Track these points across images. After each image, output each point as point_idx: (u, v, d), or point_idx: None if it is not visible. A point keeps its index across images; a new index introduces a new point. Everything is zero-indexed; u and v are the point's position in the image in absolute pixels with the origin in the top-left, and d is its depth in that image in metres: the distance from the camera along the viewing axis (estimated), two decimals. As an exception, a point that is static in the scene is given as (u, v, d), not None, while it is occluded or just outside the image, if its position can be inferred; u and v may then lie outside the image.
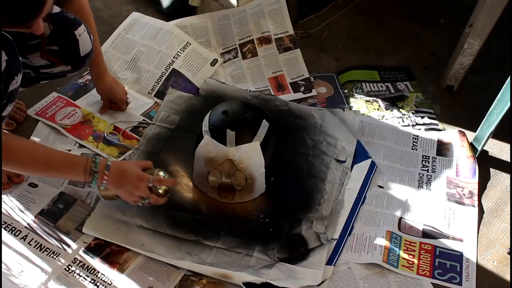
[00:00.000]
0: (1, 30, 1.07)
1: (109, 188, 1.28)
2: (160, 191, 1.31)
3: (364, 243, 1.43)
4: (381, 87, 1.93)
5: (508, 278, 1.40)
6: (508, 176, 1.63)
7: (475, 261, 1.41)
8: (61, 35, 1.35)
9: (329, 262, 1.38)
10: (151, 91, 1.83)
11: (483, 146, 1.63)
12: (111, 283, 1.33)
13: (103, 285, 1.32)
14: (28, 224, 1.42)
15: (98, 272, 1.35)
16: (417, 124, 1.78)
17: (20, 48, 1.28)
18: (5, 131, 1.59)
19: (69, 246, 1.39)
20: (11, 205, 1.45)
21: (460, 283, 1.36)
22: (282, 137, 1.62)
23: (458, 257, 1.42)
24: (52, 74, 1.47)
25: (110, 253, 1.38)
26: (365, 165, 1.61)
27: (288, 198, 1.52)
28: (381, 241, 1.43)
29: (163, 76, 1.85)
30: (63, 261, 1.36)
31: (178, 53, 1.89)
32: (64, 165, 1.25)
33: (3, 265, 1.32)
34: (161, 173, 1.33)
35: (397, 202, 1.53)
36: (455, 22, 1.96)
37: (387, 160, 1.65)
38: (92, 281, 1.33)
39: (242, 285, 1.32)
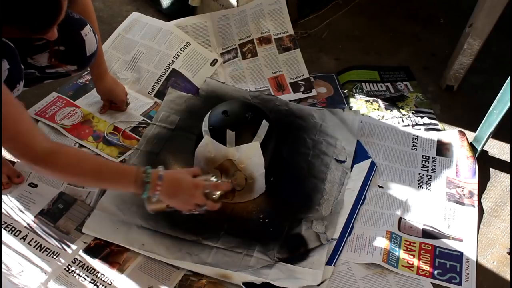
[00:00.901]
0: (1, 38, 1.08)
1: (162, 199, 1.24)
2: (215, 196, 1.31)
3: (364, 243, 1.43)
4: (381, 87, 1.93)
5: (508, 278, 1.40)
6: (508, 176, 1.63)
7: (475, 261, 1.41)
8: (67, 35, 1.36)
9: (329, 262, 1.38)
10: (151, 91, 1.83)
11: (483, 146, 1.63)
12: (111, 283, 1.33)
13: (103, 285, 1.32)
14: (28, 224, 1.42)
15: (98, 272, 1.35)
16: (417, 124, 1.78)
17: (26, 49, 1.29)
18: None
19: (69, 246, 1.39)
20: (11, 205, 1.45)
21: (460, 283, 1.36)
22: (282, 137, 1.62)
23: (458, 257, 1.42)
24: (57, 73, 1.48)
25: (110, 253, 1.38)
26: (365, 165, 1.61)
27: (288, 198, 1.52)
28: (381, 241, 1.43)
29: (163, 76, 1.85)
30: (63, 261, 1.36)
31: (178, 53, 1.89)
32: (114, 175, 1.22)
33: (3, 265, 1.32)
34: (213, 178, 1.32)
35: (397, 202, 1.53)
36: (455, 22, 1.96)
37: (387, 160, 1.65)
38: (92, 281, 1.33)
39: (242, 285, 1.32)
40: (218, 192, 1.32)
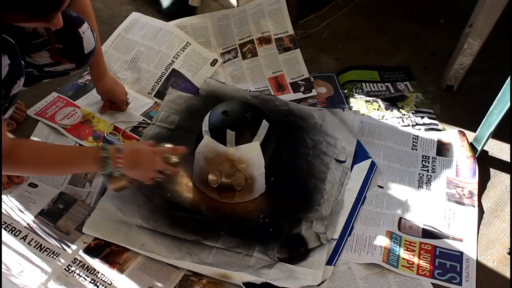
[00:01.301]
0: (1, 35, 1.07)
1: (124, 171, 1.24)
2: (174, 160, 1.31)
3: (364, 243, 1.43)
4: (381, 87, 1.93)
5: (508, 278, 1.40)
6: (508, 176, 1.63)
7: (475, 261, 1.41)
8: (65, 33, 1.36)
9: (329, 262, 1.38)
10: (151, 91, 1.83)
11: (483, 146, 1.63)
12: (111, 283, 1.33)
13: (103, 285, 1.32)
14: (28, 224, 1.42)
15: (98, 272, 1.35)
16: (417, 124, 1.78)
17: (25, 47, 1.28)
18: (11, 135, 1.58)
19: (69, 246, 1.39)
20: (11, 205, 1.45)
21: (460, 283, 1.36)
22: (282, 137, 1.62)
23: (458, 257, 1.42)
24: (56, 72, 1.48)
25: (110, 253, 1.38)
26: (365, 165, 1.61)
27: (288, 198, 1.52)
28: (381, 241, 1.43)
29: (163, 76, 1.85)
30: (63, 261, 1.36)
31: (178, 53, 1.89)
32: (74, 158, 1.23)
33: (3, 265, 1.32)
34: (168, 145, 1.33)
35: (397, 202, 1.53)
36: (455, 22, 1.96)
37: (387, 160, 1.65)
38: (92, 281, 1.33)
39: (242, 285, 1.32)
40: (175, 157, 1.32)
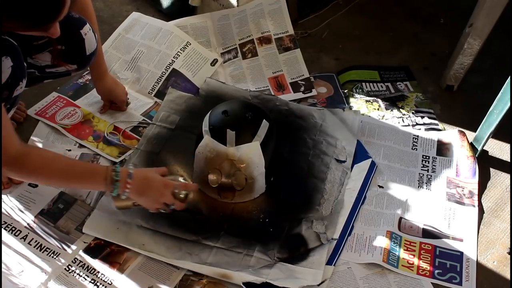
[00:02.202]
0: (1, 36, 1.07)
1: (132, 196, 1.25)
2: (182, 196, 1.32)
3: (364, 243, 1.43)
4: (381, 87, 1.93)
5: (508, 278, 1.40)
6: (508, 176, 1.63)
7: (475, 261, 1.41)
8: (67, 34, 1.36)
9: (329, 262, 1.38)
10: (151, 91, 1.83)
11: (483, 146, 1.63)
12: (111, 283, 1.33)
13: (103, 285, 1.32)
14: (28, 224, 1.42)
15: (98, 272, 1.35)
16: (417, 124, 1.78)
17: (27, 48, 1.28)
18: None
19: (69, 246, 1.39)
20: (11, 205, 1.45)
21: (460, 283, 1.36)
22: (282, 137, 1.62)
23: (458, 257, 1.42)
24: (57, 73, 1.48)
25: (110, 253, 1.38)
26: (365, 165, 1.61)
27: (288, 198, 1.52)
28: (381, 241, 1.43)
29: (163, 76, 1.85)
30: (63, 261, 1.36)
31: (178, 53, 1.89)
32: (84, 174, 1.23)
33: (3, 265, 1.32)
34: (181, 179, 1.34)
35: (397, 202, 1.53)
36: (455, 22, 1.96)
37: (387, 160, 1.65)
38: (92, 281, 1.33)
39: (242, 285, 1.32)
40: (185, 192, 1.32)
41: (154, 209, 1.31)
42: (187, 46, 1.91)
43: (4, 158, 1.09)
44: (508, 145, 1.72)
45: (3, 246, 1.36)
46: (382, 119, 1.79)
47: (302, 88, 1.87)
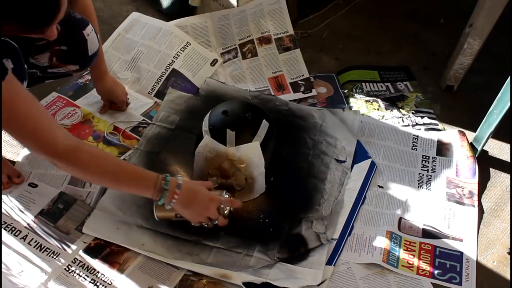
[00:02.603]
0: (1, 39, 1.07)
1: (176, 207, 1.25)
2: (226, 211, 1.32)
3: (364, 243, 1.43)
4: (381, 87, 1.93)
5: (508, 278, 1.40)
6: (508, 176, 1.63)
7: (475, 261, 1.41)
8: (70, 35, 1.36)
9: (329, 262, 1.38)
10: (151, 91, 1.83)
11: (483, 146, 1.63)
12: (111, 283, 1.33)
13: (103, 285, 1.32)
14: (28, 224, 1.42)
15: (98, 272, 1.35)
16: (417, 124, 1.78)
17: (29, 49, 1.28)
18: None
19: (69, 246, 1.39)
20: (11, 205, 1.45)
21: (460, 283, 1.36)
22: (282, 137, 1.62)
23: (458, 257, 1.42)
24: (59, 73, 1.48)
25: (110, 253, 1.38)
26: (365, 165, 1.61)
27: (288, 198, 1.52)
28: (381, 241, 1.43)
29: (163, 76, 1.85)
30: (63, 261, 1.36)
31: (178, 53, 1.89)
32: (133, 178, 1.22)
33: (3, 265, 1.32)
34: (226, 195, 1.34)
35: (397, 202, 1.53)
36: (455, 22, 1.96)
37: (387, 160, 1.65)
38: (92, 281, 1.33)
39: (242, 285, 1.32)
40: (229, 208, 1.33)
41: (197, 222, 1.31)
42: (187, 46, 1.91)
43: (50, 151, 1.10)
44: (508, 145, 1.72)
45: (3, 246, 1.36)
46: (382, 119, 1.79)
47: (302, 88, 1.88)
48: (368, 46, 2.09)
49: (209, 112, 1.50)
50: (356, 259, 1.40)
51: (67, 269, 1.35)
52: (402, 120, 1.79)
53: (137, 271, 1.35)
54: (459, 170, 1.62)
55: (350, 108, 1.82)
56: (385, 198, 1.54)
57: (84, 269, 1.35)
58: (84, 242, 1.40)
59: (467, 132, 1.72)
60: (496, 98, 1.52)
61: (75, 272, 1.34)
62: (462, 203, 1.54)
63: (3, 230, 1.39)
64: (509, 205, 1.55)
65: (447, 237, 1.46)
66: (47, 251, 1.38)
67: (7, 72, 1.01)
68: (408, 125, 1.77)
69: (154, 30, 1.94)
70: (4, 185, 1.48)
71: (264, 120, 1.47)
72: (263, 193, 1.51)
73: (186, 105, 1.76)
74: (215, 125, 1.45)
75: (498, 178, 1.63)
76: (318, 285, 1.32)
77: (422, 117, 1.80)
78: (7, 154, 1.60)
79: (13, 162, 1.57)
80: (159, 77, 1.85)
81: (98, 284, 1.33)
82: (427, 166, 1.64)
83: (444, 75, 1.91)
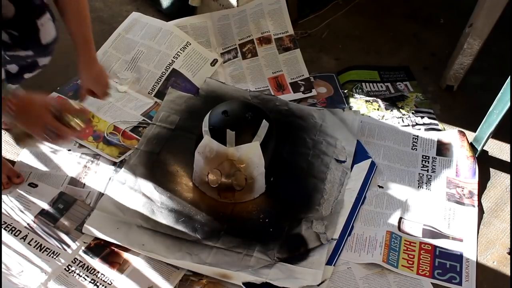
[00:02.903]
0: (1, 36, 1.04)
1: (16, 121, 1.13)
2: (72, 123, 1.15)
3: (364, 243, 1.43)
4: (381, 87, 1.93)
5: (508, 278, 1.40)
6: (508, 176, 1.63)
7: (475, 261, 1.41)
8: (22, 21, 1.27)
9: (329, 262, 1.38)
10: (151, 91, 1.83)
11: (483, 146, 1.63)
12: (111, 283, 1.33)
13: (103, 285, 1.32)
14: (28, 224, 1.42)
15: (98, 272, 1.35)
16: (417, 124, 1.78)
17: None
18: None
19: (69, 246, 1.39)
20: (11, 205, 1.45)
21: (460, 283, 1.36)
22: (282, 137, 1.62)
23: (458, 257, 1.42)
24: (25, 62, 1.39)
25: (110, 253, 1.38)
26: (365, 165, 1.61)
27: (288, 198, 1.52)
28: (381, 241, 1.43)
29: (163, 76, 1.85)
30: (63, 261, 1.36)
31: (178, 53, 1.89)
32: None
33: (3, 265, 1.32)
34: (75, 104, 1.17)
35: (397, 202, 1.53)
36: (455, 22, 1.96)
37: (387, 160, 1.65)
38: (92, 281, 1.33)
39: (242, 285, 1.32)
40: (75, 119, 1.16)
41: (38, 134, 1.16)
42: (187, 46, 1.91)
43: None
44: (508, 145, 1.72)
45: (3, 246, 1.36)
46: (382, 119, 1.79)
47: (302, 88, 1.87)
48: (368, 46, 2.09)
49: (209, 112, 1.50)
50: (356, 259, 1.40)
51: (67, 269, 1.35)
52: (402, 120, 1.79)
53: (137, 271, 1.35)
54: (459, 170, 1.62)
55: (350, 108, 1.82)
56: (385, 198, 1.54)
57: (84, 269, 1.35)
58: (84, 242, 1.40)
59: (467, 132, 1.72)
60: (496, 98, 1.52)
61: (75, 272, 1.34)
62: (462, 203, 1.54)
63: (3, 230, 1.39)
64: (509, 205, 1.55)
65: (447, 237, 1.46)
66: (47, 251, 1.38)
67: None
68: (408, 125, 1.77)
69: (154, 30, 1.94)
70: (4, 185, 1.48)
71: (264, 120, 1.47)
72: (263, 193, 1.51)
73: (186, 105, 1.76)
74: (215, 125, 1.45)
75: (498, 178, 1.63)
76: (318, 285, 1.32)
77: (422, 117, 1.80)
78: (7, 154, 1.60)
79: (13, 162, 1.57)
80: (159, 77, 1.85)
81: (98, 284, 1.33)
82: (427, 166, 1.64)
83: (444, 75, 1.91)
